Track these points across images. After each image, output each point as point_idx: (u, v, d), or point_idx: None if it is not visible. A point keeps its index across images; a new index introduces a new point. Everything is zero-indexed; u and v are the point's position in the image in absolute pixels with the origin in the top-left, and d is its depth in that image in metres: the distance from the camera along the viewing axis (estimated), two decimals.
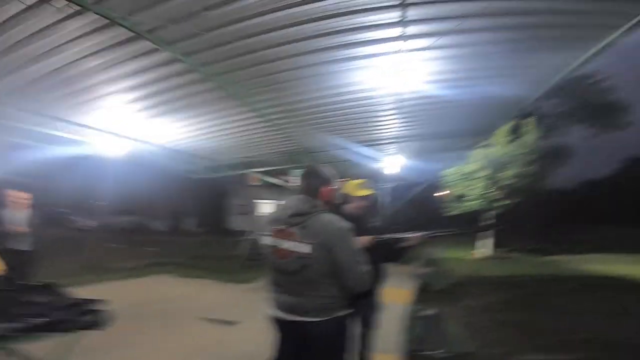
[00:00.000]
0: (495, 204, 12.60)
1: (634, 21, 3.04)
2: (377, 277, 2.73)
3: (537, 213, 26.31)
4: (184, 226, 21.51)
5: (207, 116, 5.48)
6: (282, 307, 1.88)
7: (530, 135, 12.45)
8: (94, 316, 2.18)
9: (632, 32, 3.19)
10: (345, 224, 1.82)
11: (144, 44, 3.39)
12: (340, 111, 5.55)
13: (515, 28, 3.32)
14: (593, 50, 3.67)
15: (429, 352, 2.67)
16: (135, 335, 4.03)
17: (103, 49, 3.48)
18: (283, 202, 1.95)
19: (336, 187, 2.03)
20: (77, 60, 3.65)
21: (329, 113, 5.62)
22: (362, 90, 4.61)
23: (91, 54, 3.56)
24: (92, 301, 2.25)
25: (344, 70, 4.09)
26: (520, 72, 4.39)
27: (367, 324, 2.91)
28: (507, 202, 12.44)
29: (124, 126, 5.84)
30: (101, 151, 6.61)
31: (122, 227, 19.28)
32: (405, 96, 4.90)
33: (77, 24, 3.07)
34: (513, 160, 12.10)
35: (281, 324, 1.90)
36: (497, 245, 14.04)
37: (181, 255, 10.97)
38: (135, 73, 4.01)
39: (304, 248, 1.74)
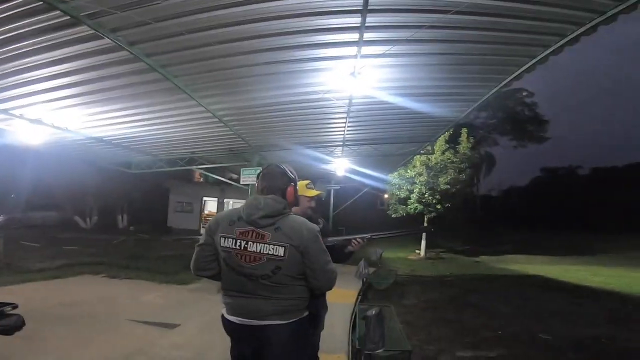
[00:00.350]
0: (430, 208, 13.36)
1: (562, 41, 3.36)
2: None
3: (465, 217, 28.53)
4: (115, 224, 19.81)
5: (148, 108, 5.10)
6: (243, 311, 1.77)
7: (463, 145, 13.43)
8: (3, 321, 1.92)
9: (559, 52, 3.53)
10: (314, 226, 1.80)
11: (82, 29, 3.05)
12: (292, 112, 5.50)
13: (459, 41, 3.52)
14: (522, 68, 3.98)
15: (369, 351, 2.72)
16: (53, 340, 3.66)
17: (35, 32, 3.10)
18: (247, 201, 1.82)
19: (297, 187, 1.98)
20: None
21: (279, 113, 5.53)
22: (315, 92, 4.61)
23: (21, 37, 3.15)
24: (1, 305, 1.98)
25: (298, 71, 4.06)
26: (457, 86, 4.66)
27: (314, 325, 2.92)
28: (440, 206, 13.21)
29: (48, 114, 5.23)
30: (20, 140, 5.83)
31: (41, 223, 17.35)
32: (356, 101, 5.01)
33: (6, 4, 2.70)
34: (447, 168, 12.93)
35: (240, 329, 1.78)
36: (431, 246, 14.88)
37: (111, 254, 10.06)
38: (69, 59, 3.60)
39: (278, 250, 1.67)
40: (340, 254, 2.66)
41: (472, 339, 4.89)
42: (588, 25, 3.06)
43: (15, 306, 1.99)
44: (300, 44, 3.50)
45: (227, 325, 1.82)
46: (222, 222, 1.80)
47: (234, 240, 1.72)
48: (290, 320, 1.76)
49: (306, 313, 1.87)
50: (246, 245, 1.70)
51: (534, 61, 3.75)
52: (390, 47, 3.41)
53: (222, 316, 1.85)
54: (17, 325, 1.91)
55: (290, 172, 1.92)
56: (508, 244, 19.53)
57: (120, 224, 19.80)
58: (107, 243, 13.09)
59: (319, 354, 3.10)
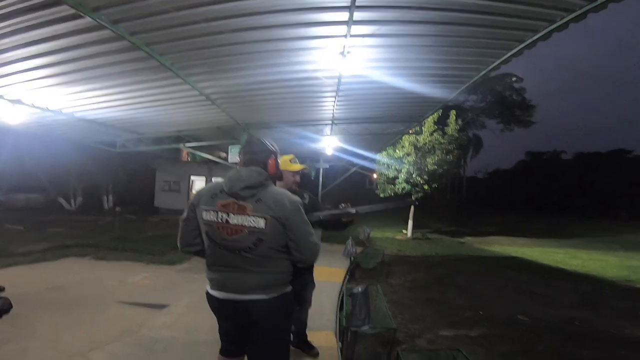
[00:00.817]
0: (418, 188, 13.51)
1: (551, 27, 3.36)
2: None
3: (452, 198, 29.04)
4: (100, 204, 19.51)
5: (133, 86, 4.96)
6: (226, 286, 1.77)
7: (451, 126, 13.51)
8: None
9: (548, 38, 3.54)
10: (296, 197, 1.79)
11: (62, 8, 2.91)
12: (281, 90, 5.43)
13: (449, 23, 3.48)
14: (511, 52, 3.98)
15: (355, 328, 2.80)
16: (41, 324, 3.61)
17: (13, 13, 2.96)
18: (229, 174, 1.79)
19: (279, 159, 1.97)
20: None
21: (268, 91, 5.46)
22: (304, 71, 4.55)
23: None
24: None
25: (287, 50, 3.98)
26: (446, 67, 4.65)
27: (302, 302, 2.98)
28: (427, 187, 13.38)
29: (28, 94, 5.06)
30: (1, 120, 5.68)
31: (24, 205, 16.97)
32: (346, 80, 4.96)
33: None
34: (435, 149, 13.02)
35: (224, 304, 1.80)
36: (417, 227, 15.12)
37: (97, 236, 9.92)
38: (50, 39, 3.46)
39: (259, 222, 1.66)
40: (337, 224, 2.69)
41: (454, 319, 5.05)
42: (577, 13, 3.05)
43: (1, 288, 1.97)
44: (289, 23, 3.41)
45: (211, 301, 1.84)
46: (203, 195, 1.79)
47: (216, 213, 1.71)
48: (273, 295, 1.77)
49: (290, 288, 1.89)
50: (227, 218, 1.69)
51: (522, 46, 3.75)
52: (379, 27, 3.36)
53: (207, 292, 1.86)
54: (5, 308, 1.90)
55: (272, 144, 1.90)
56: (492, 226, 19.97)
57: (105, 205, 19.51)
58: (93, 224, 12.92)
59: (307, 332, 3.20)
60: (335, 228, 2.83)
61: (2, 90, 4.86)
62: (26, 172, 16.06)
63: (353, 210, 2.47)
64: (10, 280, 5.01)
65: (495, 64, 4.29)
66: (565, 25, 3.27)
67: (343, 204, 2.58)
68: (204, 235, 1.79)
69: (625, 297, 6.43)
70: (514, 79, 29.52)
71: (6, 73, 4.25)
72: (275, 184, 1.89)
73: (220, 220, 1.70)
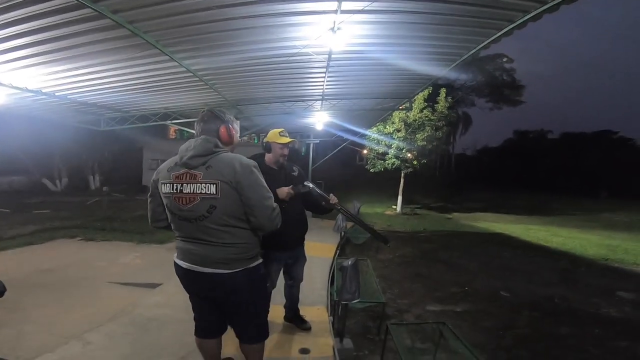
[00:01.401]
0: (407, 164, 13.62)
1: (542, 8, 3.32)
2: (301, 227, 2.84)
3: (440, 174, 29.38)
4: (87, 185, 19.17)
5: (117, 64, 4.79)
6: (190, 257, 1.79)
7: (441, 104, 13.50)
8: None
9: (538, 19, 3.51)
10: (250, 161, 1.78)
11: None
12: (270, 66, 5.30)
13: (439, 0, 3.43)
14: (501, 31, 3.94)
15: (345, 302, 2.86)
16: (35, 307, 3.64)
17: None
18: (181, 147, 1.81)
19: (235, 127, 1.95)
20: None
21: (257, 67, 5.33)
22: (293, 47, 4.44)
23: None
24: None
25: (276, 25, 3.86)
26: (436, 45, 4.59)
27: (293, 277, 3.03)
28: (416, 162, 13.48)
29: (5, 75, 4.87)
30: None
31: (8, 188, 16.56)
32: (336, 56, 4.88)
33: None
34: (425, 125, 13.05)
35: (188, 274, 1.82)
36: (407, 202, 15.33)
37: (85, 216, 9.83)
38: (26, 20, 3.31)
39: (210, 188, 1.67)
40: (318, 207, 2.72)
41: (441, 294, 5.23)
42: None
43: None
44: None
45: (177, 269, 1.88)
46: (161, 170, 1.84)
47: (171, 185, 1.74)
48: (237, 270, 1.77)
49: (256, 262, 1.89)
50: (181, 188, 1.71)
51: (512, 25, 3.70)
52: (370, 2, 3.28)
53: (174, 260, 1.90)
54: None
55: (223, 114, 1.90)
56: (479, 202, 20.38)
57: (92, 185, 19.19)
58: (80, 205, 12.76)
59: (300, 306, 3.28)
60: (315, 211, 2.87)
61: None
62: (8, 154, 15.56)
63: (338, 206, 2.51)
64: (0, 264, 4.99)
65: (485, 42, 4.25)
66: (556, 7, 3.24)
67: (332, 194, 2.63)
68: (165, 207, 1.82)
69: (603, 276, 6.65)
70: (504, 59, 29.60)
71: None
72: (231, 152, 1.86)
73: (175, 191, 1.73)
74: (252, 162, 1.78)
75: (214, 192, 1.67)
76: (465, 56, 4.81)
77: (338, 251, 6.45)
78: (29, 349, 2.74)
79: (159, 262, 5.54)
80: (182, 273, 1.86)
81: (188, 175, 1.71)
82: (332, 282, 4.58)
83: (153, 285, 4.32)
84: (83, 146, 16.17)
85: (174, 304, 3.64)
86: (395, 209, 14.89)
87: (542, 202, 21.68)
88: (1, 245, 6.16)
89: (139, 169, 20.06)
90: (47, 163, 17.52)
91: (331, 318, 3.55)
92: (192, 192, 1.69)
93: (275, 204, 1.81)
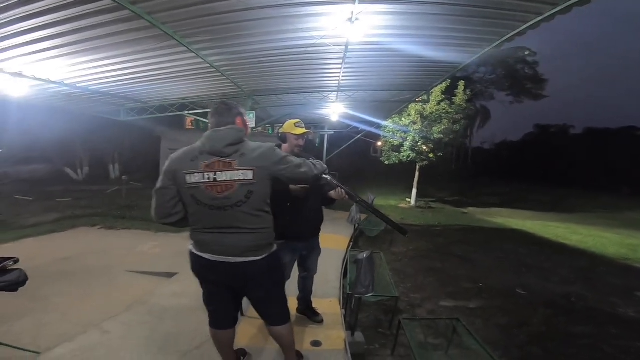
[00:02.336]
0: (423, 157, 13.43)
1: (557, 8, 3.26)
2: (316, 218, 2.83)
3: (456, 167, 28.92)
4: (107, 173, 19.62)
5: (136, 56, 4.85)
6: (217, 248, 1.80)
7: (459, 96, 13.22)
8: (6, 277, 1.93)
9: (568, 12, 3.37)
10: (269, 143, 1.87)
11: None
12: (286, 57, 5.28)
13: None
14: (524, 25, 3.84)
15: (359, 295, 2.86)
16: (55, 295, 3.76)
17: None
18: (207, 135, 1.81)
19: (247, 119, 1.99)
20: None
21: (273, 58, 5.32)
22: (310, 37, 4.40)
23: None
24: (3, 260, 1.97)
25: (293, 16, 3.82)
26: (457, 37, 4.48)
27: (307, 269, 3.04)
28: (432, 155, 13.28)
29: (29, 67, 4.98)
30: (3, 93, 5.64)
31: (31, 177, 17.07)
32: (353, 47, 4.82)
33: None
34: (442, 118, 12.82)
35: (216, 266, 1.83)
36: (421, 195, 15.16)
37: (105, 205, 10.07)
38: (47, 12, 3.36)
39: (247, 174, 1.72)
40: (324, 199, 2.71)
41: (454, 289, 5.18)
42: None
43: (16, 260, 2.00)
44: None
45: (198, 261, 1.86)
46: (180, 160, 1.78)
47: (202, 174, 1.73)
48: (264, 256, 1.84)
49: (275, 248, 1.95)
50: (215, 177, 1.72)
51: (540, 18, 3.58)
52: None
53: (191, 252, 1.88)
54: (21, 280, 1.93)
55: (236, 105, 1.93)
56: (495, 197, 20.00)
57: (112, 174, 19.61)
58: (101, 194, 13.07)
59: (312, 298, 3.29)
60: (321, 202, 2.85)
61: (2, 65, 4.80)
62: (31, 143, 15.98)
63: (357, 198, 2.45)
64: (22, 252, 5.12)
65: (509, 35, 4.13)
66: (586, 1, 3.11)
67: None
68: (188, 200, 1.78)
69: (622, 276, 6.47)
70: (527, 52, 28.60)
71: (4, 47, 4.17)
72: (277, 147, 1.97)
73: (207, 180, 1.72)
74: (271, 144, 1.87)
75: (252, 178, 1.73)
76: (488, 49, 4.69)
77: (351, 243, 6.44)
78: (49, 338, 2.84)
79: (176, 251, 5.64)
80: (205, 265, 1.84)
81: (221, 163, 1.72)
82: (345, 274, 4.58)
83: (169, 275, 4.41)
84: (103, 136, 16.50)
85: (190, 294, 3.70)
86: (410, 202, 14.75)
87: (561, 198, 21.08)
88: (25, 233, 6.38)
89: (156, 159, 20.36)
90: (69, 152, 17.96)
91: (343, 311, 3.55)
92: (229, 179, 1.71)
93: (306, 167, 1.89)
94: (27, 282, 1.93)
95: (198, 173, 1.73)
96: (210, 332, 2.10)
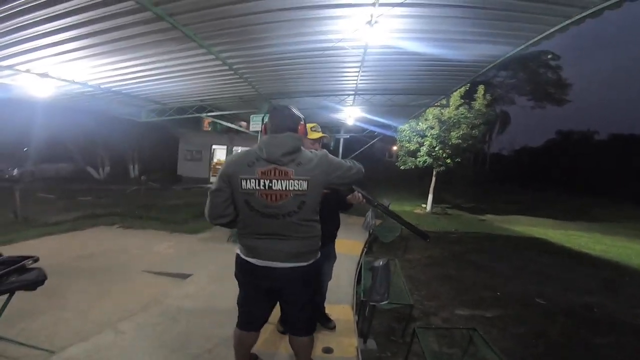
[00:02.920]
0: (440, 162, 13.22)
1: (587, 12, 3.16)
2: (333, 223, 2.79)
3: (474, 173, 28.43)
4: (127, 173, 20.10)
5: (157, 57, 4.93)
6: (263, 253, 1.80)
7: (479, 101, 12.99)
8: (25, 275, 1.95)
9: (598, 15, 3.25)
10: (322, 150, 1.88)
11: None
12: (304, 59, 5.27)
13: None
14: (546, 32, 3.76)
15: (374, 303, 2.81)
16: (73, 294, 3.82)
17: None
18: (265, 141, 1.78)
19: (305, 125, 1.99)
20: None
21: (291, 60, 5.31)
22: (328, 40, 4.38)
23: None
24: (23, 259, 2.00)
25: (312, 18, 3.81)
26: (479, 41, 4.38)
27: (322, 274, 3.00)
28: (449, 161, 13.07)
29: (55, 67, 5.12)
30: (28, 94, 5.80)
31: (54, 175, 17.62)
32: (372, 50, 4.77)
33: None
34: (460, 123, 12.61)
35: (261, 271, 1.83)
36: (437, 201, 14.93)
37: (124, 204, 10.28)
38: (72, 13, 3.43)
39: (302, 185, 1.70)
40: (340, 203, 2.65)
41: (470, 298, 5.06)
42: None
43: (36, 259, 2.03)
44: None
45: (244, 264, 1.87)
46: (237, 164, 1.77)
47: (257, 181, 1.71)
48: (309, 262, 1.85)
49: (319, 255, 1.95)
50: (270, 184, 1.70)
51: (568, 21, 3.46)
52: None
53: (238, 256, 1.89)
54: (39, 279, 1.96)
55: (297, 110, 1.91)
56: (514, 204, 19.52)
57: (131, 174, 20.10)
58: (120, 193, 13.36)
59: (325, 304, 3.25)
60: (337, 207, 2.79)
61: (29, 65, 4.95)
62: (55, 142, 16.54)
63: (374, 202, 2.39)
64: (44, 249, 5.31)
65: (536, 38, 4.00)
66: (619, 4, 2.99)
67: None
68: (241, 205, 1.78)
69: None
70: (549, 56, 27.90)
71: (32, 48, 4.29)
72: None
73: (262, 187, 1.71)
74: (325, 151, 1.87)
75: (305, 189, 1.72)
76: (512, 52, 4.56)
77: (365, 249, 6.37)
78: (64, 337, 2.88)
79: (190, 252, 5.71)
80: (250, 270, 1.85)
81: (278, 171, 1.71)
82: (358, 280, 4.52)
83: (184, 276, 4.44)
84: (124, 136, 16.90)
85: (203, 296, 3.72)
86: (425, 208, 14.55)
87: (584, 207, 20.42)
88: (47, 231, 6.56)
89: (174, 159, 20.79)
90: (91, 152, 18.50)
91: (356, 317, 3.50)
92: (284, 188, 1.70)
93: (352, 163, 1.93)
94: (46, 281, 1.95)
95: (254, 179, 1.72)
96: (234, 332, 2.08)
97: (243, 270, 1.89)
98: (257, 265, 1.82)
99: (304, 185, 1.71)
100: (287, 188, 1.70)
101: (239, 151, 1.87)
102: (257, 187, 1.71)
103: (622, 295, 5.65)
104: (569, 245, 9.61)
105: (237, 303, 2.03)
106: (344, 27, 3.98)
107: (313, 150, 1.84)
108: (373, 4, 3.38)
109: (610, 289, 5.89)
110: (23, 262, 1.99)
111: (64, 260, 4.90)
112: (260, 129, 7.03)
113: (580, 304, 5.05)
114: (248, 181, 1.72)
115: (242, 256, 1.87)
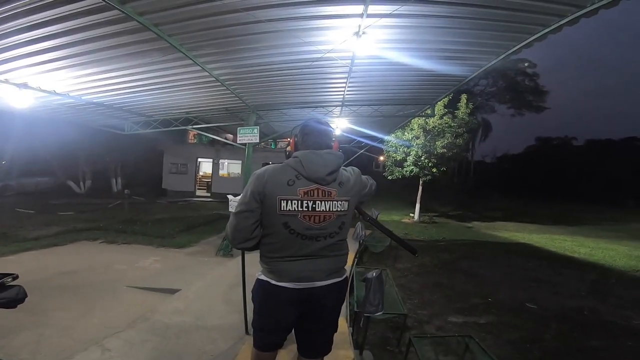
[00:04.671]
0: (426, 171, 13.39)
1: (567, 19, 3.27)
2: None
3: (459, 182, 28.88)
4: (109, 187, 19.63)
5: (141, 68, 4.85)
6: (302, 275, 1.63)
7: (462, 110, 13.27)
8: (4, 293, 1.84)
9: (575, 23, 3.37)
10: (356, 169, 1.82)
11: None
12: (292, 71, 5.28)
13: (469, 4, 3.33)
14: (531, 38, 3.83)
15: (368, 314, 2.77)
16: (56, 311, 3.68)
17: None
18: (306, 158, 1.60)
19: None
20: None
21: (279, 72, 5.31)
22: (316, 52, 4.40)
23: None
24: (2, 276, 1.89)
25: (300, 29, 3.82)
26: (463, 50, 4.47)
27: None
28: (435, 170, 13.25)
29: (34, 78, 5.00)
30: (7, 105, 5.68)
31: (34, 189, 17.08)
32: (359, 61, 4.81)
33: None
34: (445, 132, 12.83)
35: (300, 293, 1.65)
36: (425, 210, 15.06)
37: (107, 219, 10.02)
38: (52, 22, 3.37)
39: (344, 205, 1.63)
40: None
41: (462, 305, 5.08)
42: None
43: (15, 277, 1.92)
44: (303, 0, 3.27)
45: (276, 291, 1.66)
46: (274, 184, 1.57)
47: (299, 202, 1.55)
48: (343, 277, 1.78)
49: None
50: (314, 206, 1.56)
51: (546, 30, 3.56)
52: (398, 6, 3.20)
53: (267, 283, 1.68)
54: (19, 297, 1.84)
55: (329, 124, 1.84)
56: (499, 211, 19.89)
57: (114, 188, 19.64)
58: (103, 207, 13.04)
59: None
60: None
61: (8, 75, 4.81)
62: (35, 156, 16.07)
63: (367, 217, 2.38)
64: (23, 265, 5.11)
65: (516, 47, 4.10)
66: (594, 11, 3.10)
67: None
68: (277, 227, 1.59)
69: (633, 288, 6.40)
70: (526, 64, 28.82)
71: (10, 57, 4.17)
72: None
73: (305, 209, 1.56)
74: (358, 170, 1.82)
75: (346, 209, 1.64)
76: (495, 61, 4.66)
77: (356, 259, 6.33)
78: (47, 355, 2.77)
79: (178, 267, 5.57)
80: (287, 296, 1.65)
81: (321, 191, 1.58)
82: (350, 291, 4.47)
83: (172, 291, 4.31)
84: (106, 149, 16.57)
85: (193, 311, 3.61)
86: (413, 217, 14.66)
87: (566, 211, 20.98)
88: (26, 246, 6.32)
89: (159, 173, 20.44)
90: (72, 165, 18.02)
91: (351, 329, 3.44)
92: (328, 210, 1.59)
93: (372, 182, 1.94)
94: (26, 298, 1.85)
95: (296, 200, 1.55)
96: (254, 354, 1.86)
97: (274, 296, 1.68)
98: (294, 289, 1.64)
99: (345, 205, 1.63)
100: (331, 209, 1.59)
101: (269, 166, 1.64)
102: (300, 209, 1.55)
103: (610, 297, 5.75)
104: (554, 250, 9.80)
105: (256, 325, 1.81)
106: (332, 38, 4.00)
107: (347, 169, 1.75)
108: (361, 15, 3.41)
109: (598, 292, 6.00)
110: (2, 280, 1.88)
111: (45, 276, 4.72)
112: (247, 142, 6.98)
113: (571, 308, 5.12)
114: (289, 202, 1.55)
115: (274, 282, 1.66)
